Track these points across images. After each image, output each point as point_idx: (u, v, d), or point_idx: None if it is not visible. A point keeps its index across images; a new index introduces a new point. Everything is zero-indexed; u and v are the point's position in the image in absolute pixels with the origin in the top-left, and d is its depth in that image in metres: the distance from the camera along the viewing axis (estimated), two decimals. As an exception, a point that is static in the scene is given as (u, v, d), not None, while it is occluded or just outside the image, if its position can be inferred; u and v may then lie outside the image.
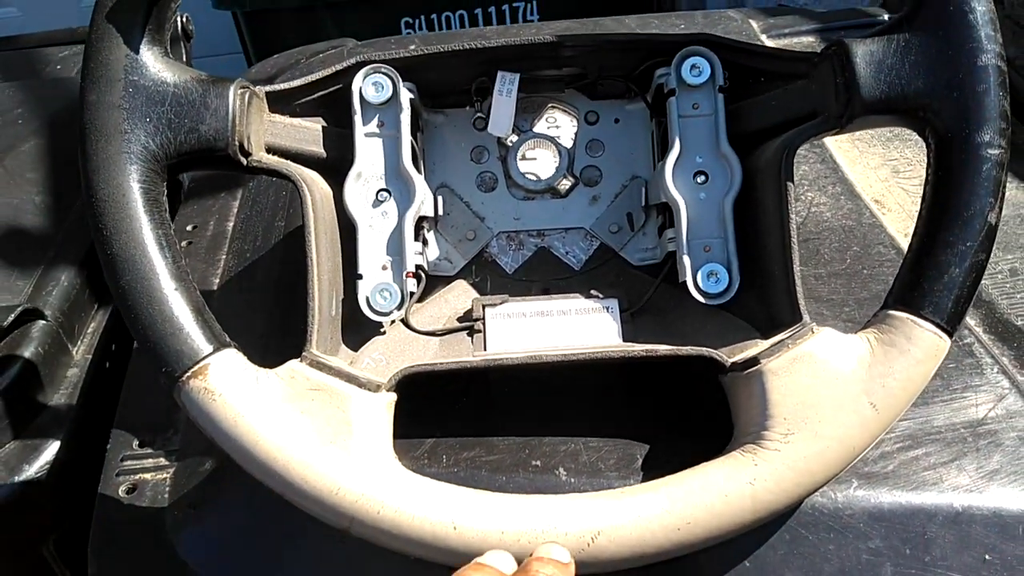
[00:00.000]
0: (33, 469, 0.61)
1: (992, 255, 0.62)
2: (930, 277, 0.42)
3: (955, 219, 0.42)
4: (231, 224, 0.68)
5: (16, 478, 0.61)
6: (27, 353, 0.63)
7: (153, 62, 0.44)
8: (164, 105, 0.43)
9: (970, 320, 0.58)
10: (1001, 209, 0.43)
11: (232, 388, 0.42)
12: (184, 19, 1.12)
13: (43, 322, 0.65)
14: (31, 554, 0.65)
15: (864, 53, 0.44)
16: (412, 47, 0.58)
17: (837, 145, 0.73)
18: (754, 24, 0.89)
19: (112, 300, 0.73)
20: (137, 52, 0.43)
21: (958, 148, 0.42)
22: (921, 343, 0.41)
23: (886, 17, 0.86)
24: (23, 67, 1.02)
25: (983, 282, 0.61)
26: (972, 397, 0.50)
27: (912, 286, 0.42)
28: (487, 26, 1.27)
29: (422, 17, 1.28)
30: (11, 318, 0.62)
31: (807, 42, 0.87)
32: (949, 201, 0.42)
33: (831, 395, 0.41)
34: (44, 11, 1.91)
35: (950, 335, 0.42)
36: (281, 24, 1.25)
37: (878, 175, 0.71)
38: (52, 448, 0.62)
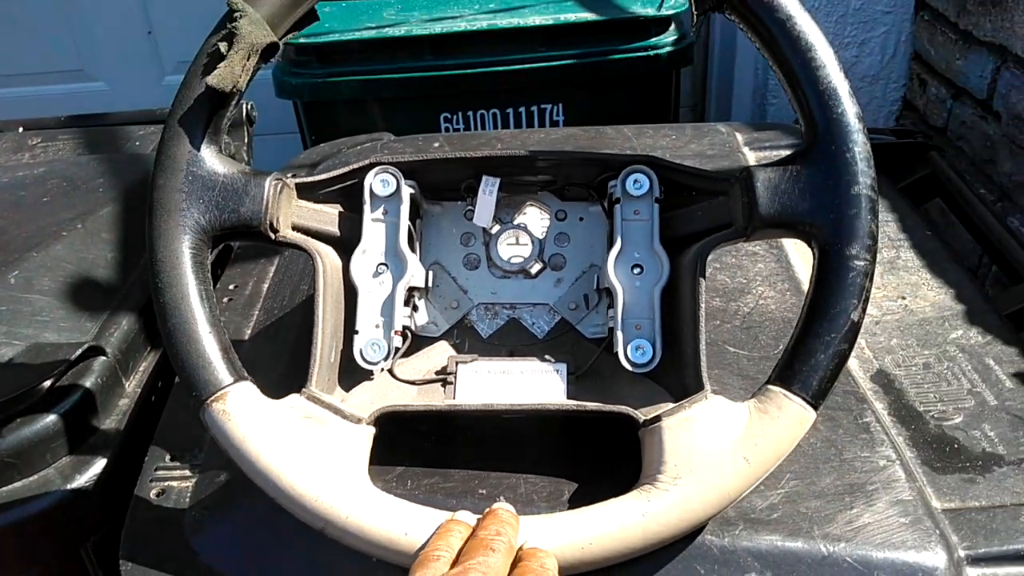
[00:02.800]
0: (83, 480, 0.73)
1: (911, 349, 0.73)
2: (801, 360, 0.52)
3: (824, 315, 0.52)
4: (265, 286, 0.81)
5: (68, 486, 0.73)
6: (88, 383, 0.76)
7: (209, 157, 0.57)
8: (215, 191, 0.57)
9: (877, 403, 0.67)
10: (864, 309, 0.53)
11: (244, 412, 0.53)
12: (249, 106, 1.28)
13: (104, 358, 0.78)
14: (71, 553, 0.76)
15: (764, 179, 0.56)
16: (436, 145, 0.70)
17: (794, 252, 0.84)
18: (739, 136, 1.01)
19: (162, 344, 0.87)
20: (198, 149, 0.57)
21: (832, 259, 0.53)
22: (789, 412, 0.52)
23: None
24: (108, 141, 1.18)
25: (896, 372, 0.71)
26: (859, 465, 0.60)
27: (787, 367, 0.53)
28: (504, 130, 1.41)
29: (459, 113, 1.42)
30: (78, 352, 0.75)
31: (781, 155, 0.98)
32: (821, 301, 0.53)
33: (713, 449, 0.51)
34: (130, 86, 2.12)
35: (815, 408, 0.52)
36: (335, 113, 1.41)
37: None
38: (100, 464, 0.74)
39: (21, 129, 1.25)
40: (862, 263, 0.53)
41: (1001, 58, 1.45)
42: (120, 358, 0.80)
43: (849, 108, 0.54)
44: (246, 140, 1.26)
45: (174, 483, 0.62)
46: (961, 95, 1.59)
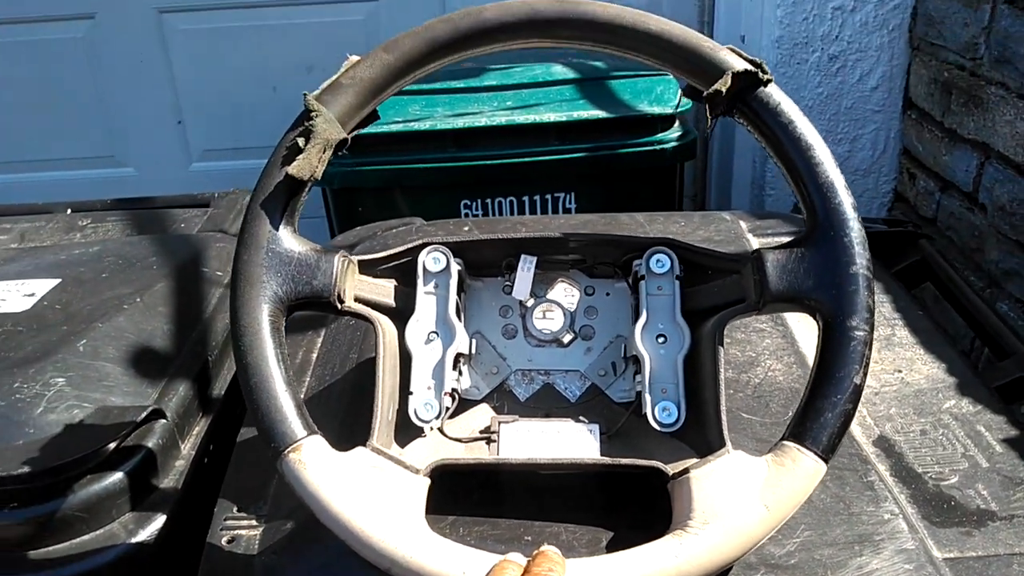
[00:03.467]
0: (144, 535, 0.78)
1: (908, 417, 0.80)
2: (811, 419, 0.59)
3: (831, 379, 0.59)
4: (315, 355, 0.88)
5: (131, 540, 0.78)
6: (150, 444, 0.82)
7: (286, 236, 0.65)
8: (291, 266, 0.64)
9: (879, 465, 0.74)
10: (866, 374, 0.60)
11: (317, 462, 0.60)
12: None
13: (164, 421, 0.84)
14: (131, 606, 0.81)
15: (773, 259, 0.63)
16: (466, 228, 0.78)
17: (797, 327, 0.91)
18: (743, 224, 1.10)
19: (212, 410, 0.93)
20: (277, 229, 0.65)
21: (835, 330, 0.61)
22: (803, 465, 0.58)
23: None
24: (154, 223, 1.26)
25: (896, 438, 0.77)
26: (865, 518, 0.66)
27: (799, 425, 0.59)
28: (521, 215, 1.51)
29: (478, 200, 1.52)
30: (143, 415, 0.81)
31: (782, 240, 1.07)
32: (827, 366, 0.60)
33: (737, 497, 0.58)
34: (158, 172, 2.23)
35: (826, 460, 0.58)
36: (361, 200, 1.50)
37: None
38: (160, 521, 0.79)
39: (69, 211, 1.34)
40: (862, 333, 0.60)
41: (985, 154, 1.56)
42: (178, 421, 0.86)
43: (845, 199, 0.63)
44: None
45: (243, 531, 0.68)
46: (948, 188, 1.70)
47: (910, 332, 0.91)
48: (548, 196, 1.53)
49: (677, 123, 1.53)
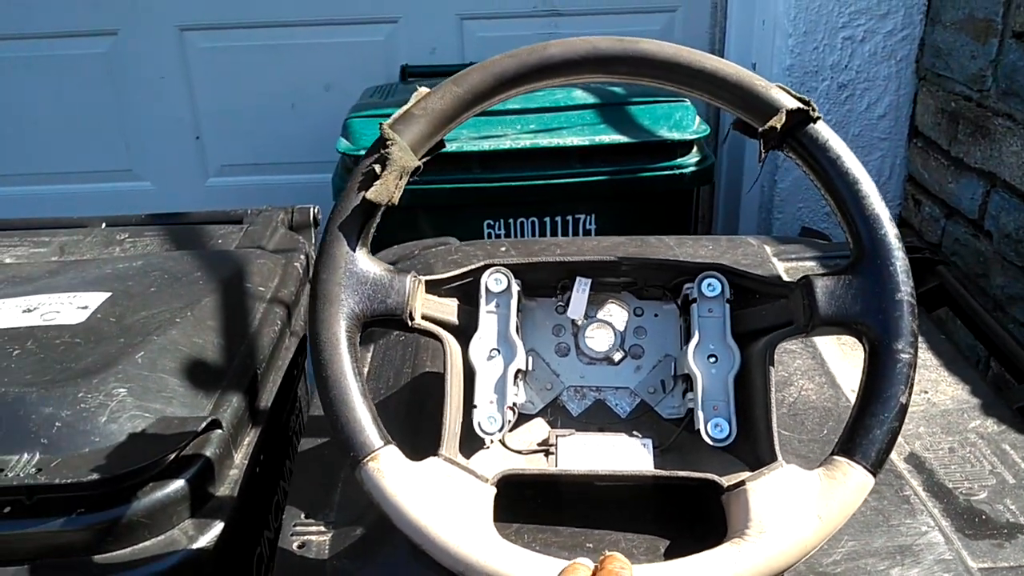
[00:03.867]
0: (204, 541, 0.81)
1: (936, 436, 0.84)
2: (860, 435, 0.63)
3: (878, 398, 0.63)
4: (366, 369, 0.91)
5: (191, 546, 0.81)
6: (208, 453, 0.85)
7: (362, 257, 0.69)
8: (367, 286, 0.68)
9: (912, 480, 0.78)
10: (911, 393, 0.64)
11: (394, 471, 0.63)
12: (315, 210, 1.41)
13: (220, 431, 0.87)
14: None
15: (822, 286, 0.68)
16: (503, 249, 0.82)
17: (826, 348, 0.96)
18: (768, 249, 1.14)
19: (260, 421, 0.96)
20: (354, 250, 0.68)
21: (881, 353, 0.65)
22: (853, 478, 0.62)
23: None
24: (192, 238, 1.30)
25: (926, 455, 0.81)
26: (904, 530, 0.70)
27: (849, 440, 0.63)
28: (550, 237, 1.55)
29: (501, 220, 1.56)
30: (203, 426, 0.84)
31: (807, 265, 1.11)
32: (875, 387, 0.64)
33: (792, 508, 0.62)
34: (175, 187, 2.26)
35: (874, 474, 0.62)
36: (388, 219, 1.53)
37: (855, 371, 0.92)
38: (218, 528, 0.82)
39: (104, 225, 1.37)
40: (907, 356, 0.64)
41: (991, 183, 1.61)
42: (232, 432, 0.89)
43: (890, 230, 0.67)
44: (314, 239, 1.38)
45: (312, 537, 0.71)
46: (954, 215, 1.75)
47: (934, 355, 0.95)
48: (569, 217, 1.57)
49: (695, 148, 1.58)
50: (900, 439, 0.82)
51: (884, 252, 0.66)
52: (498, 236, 1.57)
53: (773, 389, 0.68)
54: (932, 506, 0.75)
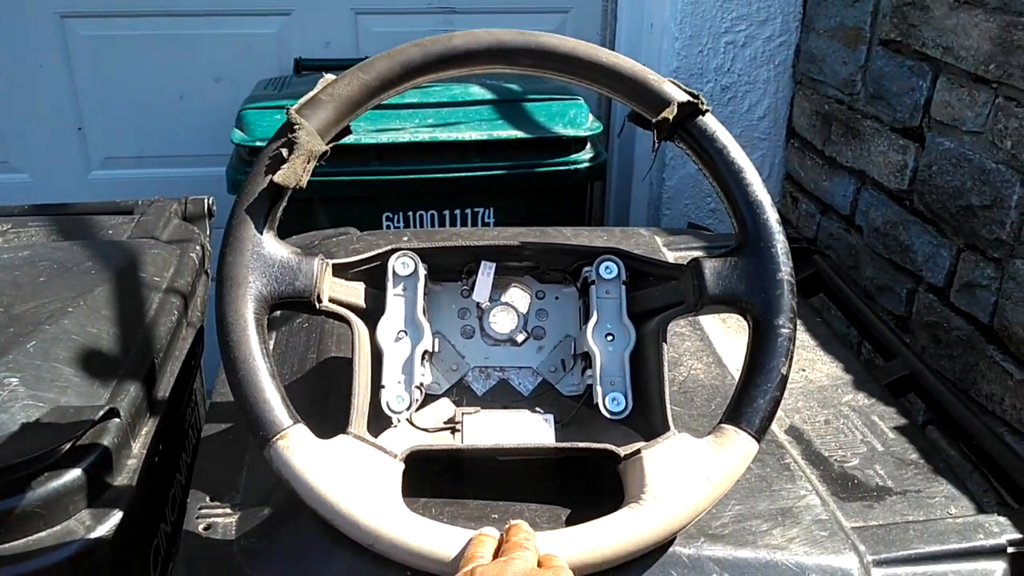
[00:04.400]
0: (101, 531, 0.79)
1: (813, 410, 0.90)
2: (745, 404, 0.68)
3: (761, 370, 0.68)
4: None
5: (88, 536, 0.79)
6: (106, 442, 0.83)
7: (269, 240, 0.69)
8: (275, 268, 0.69)
9: (792, 449, 0.83)
10: (791, 365, 0.69)
11: (303, 448, 0.64)
12: (210, 201, 1.39)
13: (118, 420, 0.86)
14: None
15: (710, 267, 0.72)
16: (405, 239, 0.83)
17: (712, 330, 1.01)
18: (658, 239, 1.20)
19: (159, 410, 0.95)
20: (261, 233, 0.69)
21: (764, 328, 0.70)
22: (740, 444, 0.67)
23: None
24: (81, 229, 1.26)
25: (804, 427, 0.87)
26: (785, 494, 0.75)
27: (736, 409, 0.68)
28: (469, 227, 1.57)
29: (400, 213, 1.57)
30: (100, 414, 0.83)
31: (694, 254, 1.17)
32: (758, 360, 0.69)
33: (683, 473, 0.66)
34: (55, 179, 2.17)
35: (758, 440, 0.67)
36: (284, 210, 1.52)
37: (740, 351, 0.98)
38: (116, 517, 0.81)
39: (-17, 215, 1.32)
40: (787, 330, 0.69)
41: (861, 181, 1.72)
42: (130, 421, 0.88)
43: (772, 215, 0.72)
44: (208, 231, 1.36)
45: (218, 519, 0.71)
46: (828, 211, 1.86)
47: (811, 336, 1.02)
48: (468, 210, 1.59)
49: (589, 145, 1.63)
50: (781, 412, 0.88)
51: (766, 235, 0.71)
52: (397, 228, 1.58)
53: (666, 364, 0.72)
54: (810, 472, 0.80)
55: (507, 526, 0.63)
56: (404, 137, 1.52)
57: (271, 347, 0.94)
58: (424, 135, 1.53)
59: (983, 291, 1.38)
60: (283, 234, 1.24)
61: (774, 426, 0.86)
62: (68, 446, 0.80)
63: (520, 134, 1.56)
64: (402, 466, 0.67)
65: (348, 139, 1.50)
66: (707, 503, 0.65)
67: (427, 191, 1.55)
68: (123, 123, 2.14)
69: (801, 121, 1.96)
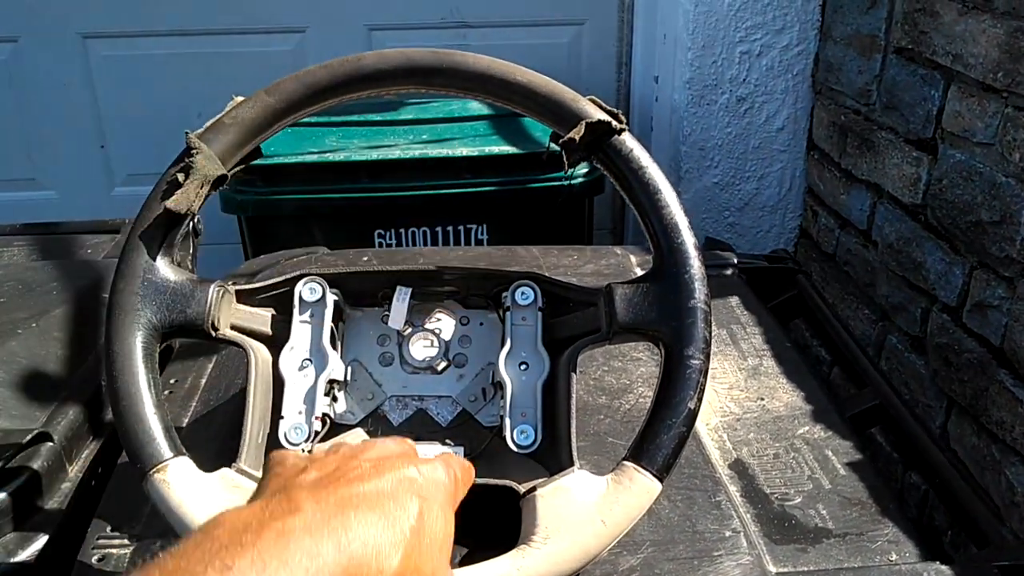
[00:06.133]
0: (25, 555, 0.79)
1: (764, 442, 0.85)
2: (648, 441, 0.63)
3: (667, 404, 0.64)
4: (203, 380, 0.90)
5: (11, 559, 0.79)
6: (35, 466, 0.83)
7: (163, 267, 0.68)
8: (166, 295, 0.67)
9: (731, 486, 0.79)
10: (700, 399, 0.65)
11: (180, 482, 0.62)
12: (196, 220, 1.39)
13: (51, 444, 0.85)
14: (9, 629, 0.82)
15: (621, 293, 0.68)
16: (364, 259, 0.81)
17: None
18: (633, 259, 1.15)
19: (102, 434, 0.95)
20: (154, 259, 0.67)
21: (673, 358, 0.65)
22: (639, 483, 0.63)
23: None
24: (61, 248, 1.27)
25: (751, 460, 0.82)
26: (708, 536, 0.71)
27: (638, 446, 0.64)
28: (428, 247, 1.55)
29: (392, 230, 1.56)
30: (28, 438, 0.83)
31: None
32: (665, 392, 0.65)
33: (576, 513, 0.62)
34: (80, 196, 2.22)
35: (660, 480, 0.63)
36: (276, 228, 1.53)
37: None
38: (41, 541, 0.80)
39: (-24, 234, 1.34)
40: (698, 362, 0.65)
41: (877, 195, 1.65)
42: (66, 445, 0.87)
43: (687, 239, 0.68)
44: (192, 251, 1.36)
45: (113, 550, 0.70)
46: (846, 226, 1.79)
47: (776, 363, 0.97)
48: (460, 227, 1.57)
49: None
50: (728, 445, 0.83)
51: (680, 260, 0.67)
52: (388, 246, 1.57)
53: (574, 395, 0.69)
54: (744, 511, 0.76)
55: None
56: (395, 154, 1.51)
57: (208, 372, 0.93)
58: (415, 151, 1.51)
59: (994, 312, 1.30)
60: (275, 251, 1.24)
61: (716, 460, 0.81)
62: (-5, 469, 0.80)
63: (513, 149, 1.53)
64: (291, 501, 0.65)
65: (338, 156, 1.51)
66: (600, 546, 0.61)
67: (418, 208, 1.54)
68: (144, 140, 2.18)
69: (820, 132, 1.89)
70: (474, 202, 1.55)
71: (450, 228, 1.57)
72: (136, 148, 2.20)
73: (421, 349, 0.78)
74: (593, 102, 0.71)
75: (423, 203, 1.53)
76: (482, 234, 1.58)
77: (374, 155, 1.51)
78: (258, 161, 1.48)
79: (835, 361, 1.03)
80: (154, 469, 0.62)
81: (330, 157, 1.49)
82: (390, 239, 1.57)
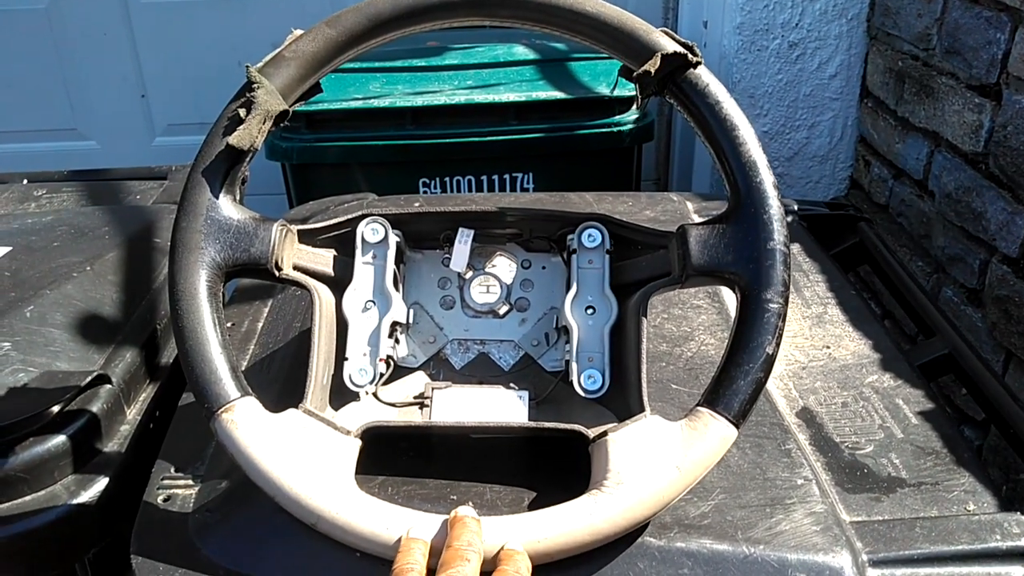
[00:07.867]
0: (86, 497, 0.80)
1: (832, 391, 0.83)
2: (724, 386, 0.61)
3: (744, 348, 0.62)
4: (260, 324, 0.90)
5: (72, 501, 0.79)
6: (94, 408, 0.83)
7: (226, 204, 0.67)
8: (229, 233, 0.66)
9: (800, 434, 0.77)
10: (779, 344, 0.63)
11: (248, 422, 0.62)
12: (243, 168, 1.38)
13: (109, 386, 0.85)
14: (69, 565, 0.82)
15: (696, 235, 0.66)
16: (416, 204, 0.79)
17: (733, 304, 0.94)
18: (689, 205, 1.13)
19: (159, 377, 0.95)
20: (216, 197, 0.66)
21: (751, 302, 0.63)
22: (715, 430, 0.61)
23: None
24: (109, 194, 1.27)
25: (819, 409, 0.80)
26: (779, 483, 0.69)
27: (713, 391, 0.62)
28: (466, 193, 1.53)
29: (437, 179, 1.54)
30: (87, 380, 0.82)
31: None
32: (742, 336, 0.62)
33: (650, 459, 0.60)
34: (121, 146, 2.22)
35: (736, 426, 0.61)
36: (320, 176, 1.51)
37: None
38: (102, 483, 0.81)
39: (25, 181, 1.34)
40: (776, 305, 0.63)
41: (935, 143, 1.59)
42: (123, 387, 0.87)
43: (766, 178, 0.65)
44: (239, 197, 1.35)
45: (179, 491, 0.70)
46: (901, 175, 1.74)
47: (841, 311, 0.94)
48: (507, 176, 1.55)
49: (634, 106, 1.56)
50: (795, 393, 0.81)
51: (758, 200, 0.65)
52: (434, 194, 1.55)
53: (645, 340, 0.67)
54: (815, 460, 0.74)
55: (450, 516, 0.59)
56: (440, 100, 1.48)
57: (265, 316, 0.92)
58: (460, 97, 1.48)
59: (1060, 263, 1.26)
60: (319, 198, 1.23)
61: (783, 408, 0.79)
62: (54, 411, 0.80)
63: (560, 95, 1.50)
64: (357, 443, 0.64)
65: (383, 102, 1.48)
66: (674, 492, 0.60)
67: (463, 156, 1.51)
68: (184, 90, 2.17)
69: (875, 79, 1.83)
70: (520, 149, 1.52)
71: (495, 177, 1.55)
72: (176, 98, 2.18)
73: (483, 293, 0.76)
74: (667, 34, 0.68)
75: (469, 150, 1.50)
76: (528, 183, 1.56)
77: (419, 101, 1.48)
78: (302, 107, 1.46)
79: (903, 308, 1.00)
80: (222, 409, 0.61)
81: (375, 103, 1.47)
82: (435, 188, 1.55)
